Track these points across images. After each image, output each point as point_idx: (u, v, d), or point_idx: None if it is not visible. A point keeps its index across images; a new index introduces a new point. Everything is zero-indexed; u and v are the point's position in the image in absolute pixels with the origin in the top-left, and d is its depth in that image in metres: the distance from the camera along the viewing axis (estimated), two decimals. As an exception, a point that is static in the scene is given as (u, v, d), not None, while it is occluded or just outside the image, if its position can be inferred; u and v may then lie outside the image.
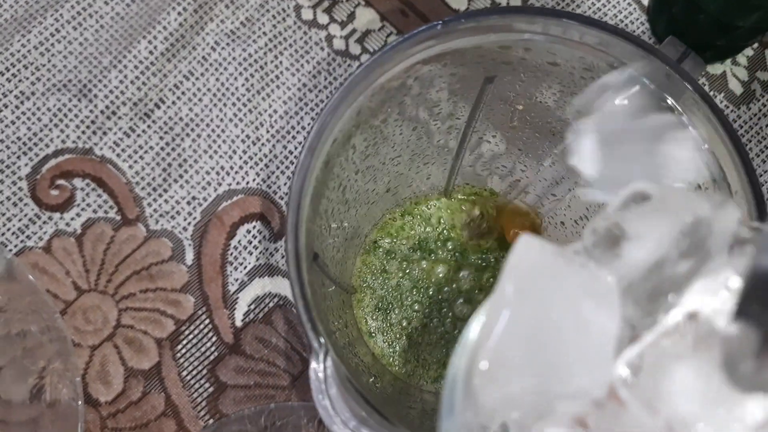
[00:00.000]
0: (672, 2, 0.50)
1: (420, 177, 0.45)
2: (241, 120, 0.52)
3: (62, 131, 0.51)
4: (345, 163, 0.33)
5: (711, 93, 0.54)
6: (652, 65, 0.28)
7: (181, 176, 0.51)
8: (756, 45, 0.55)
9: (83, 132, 0.51)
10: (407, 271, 0.47)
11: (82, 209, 0.50)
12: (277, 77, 0.53)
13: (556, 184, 0.41)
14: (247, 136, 0.52)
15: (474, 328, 0.20)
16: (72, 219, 0.50)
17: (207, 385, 0.48)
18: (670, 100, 0.28)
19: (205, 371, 0.49)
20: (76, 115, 0.51)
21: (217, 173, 0.51)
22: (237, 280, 0.50)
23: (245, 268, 0.50)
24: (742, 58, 0.54)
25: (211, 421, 0.48)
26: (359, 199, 0.40)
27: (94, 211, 0.50)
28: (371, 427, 0.24)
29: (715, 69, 0.54)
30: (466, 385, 0.19)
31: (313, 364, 0.24)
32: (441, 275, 0.46)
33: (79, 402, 0.47)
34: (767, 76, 0.54)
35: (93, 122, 0.51)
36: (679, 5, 0.49)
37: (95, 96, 0.52)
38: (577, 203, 0.41)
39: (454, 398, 0.19)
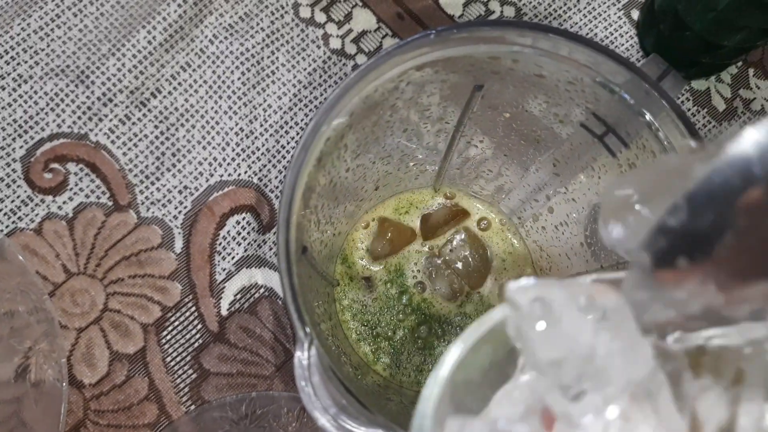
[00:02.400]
0: (660, 19, 0.51)
1: (408, 177, 0.46)
2: (235, 113, 0.53)
3: (58, 116, 0.52)
4: (336, 161, 0.34)
5: (694, 108, 0.55)
6: (633, 81, 0.29)
7: (174, 165, 0.52)
8: (740, 63, 0.56)
9: (79, 117, 0.52)
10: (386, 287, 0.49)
11: (75, 193, 0.51)
12: (273, 72, 0.54)
13: (539, 190, 0.43)
14: (241, 129, 0.53)
15: (446, 363, 0.21)
16: (64, 202, 0.51)
17: (190, 371, 0.49)
18: (648, 116, 0.30)
19: (189, 358, 0.50)
20: (72, 101, 0.52)
21: (210, 164, 0.52)
22: (224, 269, 0.51)
23: (233, 258, 0.51)
24: (726, 76, 0.56)
25: (192, 407, 0.49)
26: (348, 196, 0.41)
27: (87, 196, 0.51)
28: (350, 415, 0.25)
29: (700, 85, 0.55)
30: (436, 419, 0.20)
31: (298, 352, 0.25)
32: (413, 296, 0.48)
33: (64, 383, 0.47)
34: (749, 94, 0.56)
35: (89, 108, 0.52)
36: (666, 22, 0.51)
37: (92, 83, 0.52)
38: (559, 209, 0.43)
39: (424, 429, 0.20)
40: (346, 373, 0.36)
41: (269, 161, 0.53)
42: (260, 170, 0.52)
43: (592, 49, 0.28)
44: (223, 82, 0.53)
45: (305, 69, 0.54)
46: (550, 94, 0.33)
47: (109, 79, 0.53)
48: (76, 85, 0.52)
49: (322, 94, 0.54)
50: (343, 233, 0.46)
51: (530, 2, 0.56)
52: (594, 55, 0.28)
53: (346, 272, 0.48)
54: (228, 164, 0.52)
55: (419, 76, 0.30)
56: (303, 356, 0.25)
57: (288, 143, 0.53)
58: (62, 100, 0.52)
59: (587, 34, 0.56)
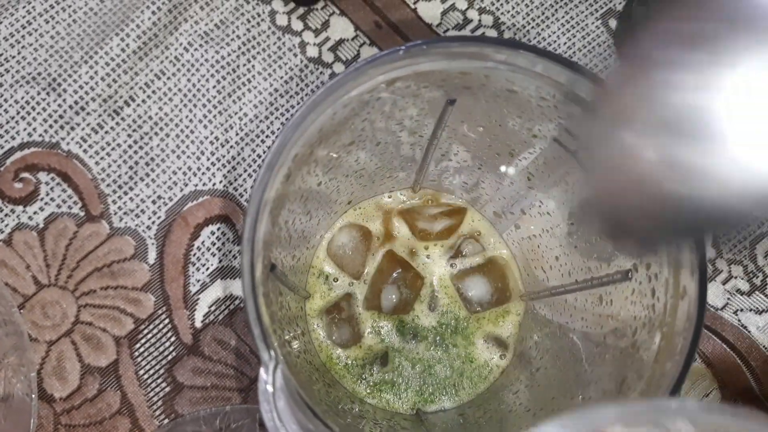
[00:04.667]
0: (637, 28, 0.51)
1: (383, 189, 0.45)
2: (210, 122, 0.52)
3: (29, 124, 0.51)
4: (307, 176, 0.33)
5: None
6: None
7: (147, 175, 0.51)
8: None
9: (50, 126, 0.51)
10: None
11: (46, 203, 0.50)
12: (249, 81, 0.53)
13: (515, 203, 0.42)
14: (216, 138, 0.52)
15: None
16: (35, 213, 0.50)
17: (164, 384, 0.49)
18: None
19: (162, 371, 0.49)
20: (44, 109, 0.51)
21: (184, 173, 0.51)
22: (199, 281, 0.50)
23: (207, 269, 0.50)
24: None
25: (166, 421, 0.48)
26: (321, 209, 0.41)
27: (58, 206, 0.50)
28: (318, 439, 0.25)
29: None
30: None
31: (263, 375, 0.25)
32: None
33: (33, 397, 0.47)
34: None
35: (61, 117, 0.51)
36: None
37: (64, 90, 0.52)
38: (534, 222, 0.43)
39: None
40: (316, 392, 0.36)
41: (245, 170, 0.52)
42: (235, 180, 0.52)
43: (562, 66, 0.28)
44: (198, 90, 0.53)
45: (282, 77, 0.54)
46: (523, 109, 0.32)
47: (81, 87, 0.52)
48: (48, 93, 0.51)
49: (299, 103, 0.54)
50: (316, 245, 0.46)
51: (508, 11, 0.56)
52: (564, 71, 0.28)
53: (318, 284, 0.47)
54: (203, 174, 0.52)
55: (390, 91, 0.30)
56: (267, 380, 0.24)
57: (264, 152, 0.52)
58: (33, 108, 0.51)
59: (565, 44, 0.56)
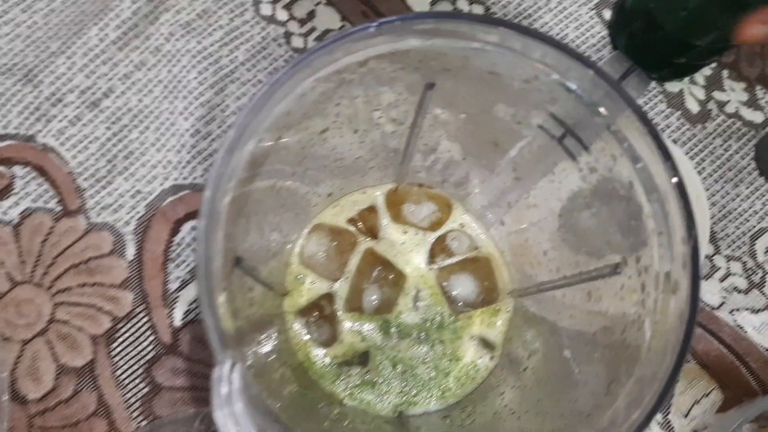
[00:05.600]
0: (632, 19, 0.50)
1: (366, 181, 0.44)
2: (191, 114, 0.51)
3: (4, 116, 0.49)
4: (278, 164, 0.32)
5: (668, 110, 0.53)
6: (592, 80, 0.27)
7: (126, 168, 0.50)
8: (714, 65, 0.55)
9: (26, 118, 0.50)
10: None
11: (21, 198, 0.49)
12: (232, 72, 0.52)
13: (501, 195, 0.41)
14: (197, 131, 0.51)
15: None
16: (10, 207, 0.48)
17: (142, 385, 0.47)
18: (607, 118, 0.28)
19: (140, 371, 0.47)
20: (19, 101, 0.50)
21: (164, 167, 0.50)
22: (178, 278, 0.48)
23: (188, 266, 0.49)
24: (699, 78, 0.54)
25: (144, 422, 0.47)
26: (298, 202, 0.39)
27: (34, 201, 0.49)
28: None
29: (673, 87, 0.54)
30: None
31: (217, 376, 0.23)
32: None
33: (5, 398, 0.45)
34: (724, 96, 0.54)
35: (37, 109, 0.50)
36: (638, 22, 0.49)
37: (41, 82, 0.50)
38: (521, 215, 0.41)
39: None
40: (287, 395, 0.34)
41: (227, 164, 0.50)
42: (217, 174, 0.50)
43: (547, 45, 0.26)
44: (179, 81, 0.51)
45: (266, 68, 0.52)
46: (506, 94, 0.31)
47: (58, 78, 0.50)
48: (24, 84, 0.50)
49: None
50: (295, 241, 0.44)
51: (499, 1, 0.54)
52: (550, 51, 0.26)
53: (296, 283, 0.46)
54: (183, 167, 0.50)
55: (363, 73, 0.28)
56: (223, 381, 0.22)
57: (247, 146, 0.51)
58: (8, 100, 0.50)
59: (558, 34, 0.54)
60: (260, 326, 0.36)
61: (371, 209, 0.46)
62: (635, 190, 0.28)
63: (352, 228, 0.46)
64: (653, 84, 0.54)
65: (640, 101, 0.53)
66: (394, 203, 0.46)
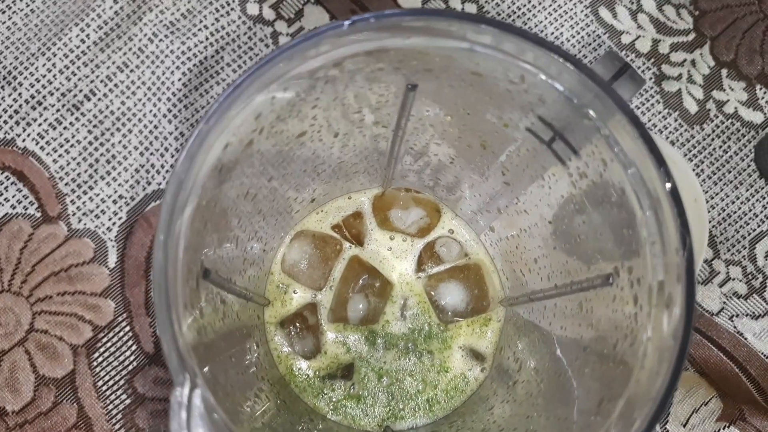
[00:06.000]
0: None
1: (351, 186, 0.42)
2: (175, 116, 0.49)
3: (-18, 120, 0.48)
4: (249, 170, 0.30)
5: (665, 110, 0.52)
6: (581, 81, 0.25)
7: (108, 173, 0.48)
8: (713, 64, 0.53)
9: (5, 122, 0.48)
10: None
11: (0, 204, 0.47)
12: (217, 73, 0.50)
13: (491, 201, 0.39)
14: (182, 134, 0.49)
15: None
16: (-12, 214, 0.47)
17: (123, 396, 0.46)
18: (597, 120, 0.26)
19: (122, 382, 0.46)
20: (-2, 104, 0.48)
21: (147, 171, 0.49)
22: (161, 285, 0.47)
23: (171, 273, 0.47)
24: (697, 76, 0.53)
25: (126, 434, 0.45)
26: (279, 208, 0.38)
27: (13, 207, 0.47)
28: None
29: (671, 86, 0.52)
30: None
31: (175, 399, 0.21)
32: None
33: (-18, 411, 0.44)
34: (723, 96, 0.53)
35: (16, 112, 0.48)
36: None
37: (20, 84, 0.49)
38: (511, 221, 0.39)
39: None
40: (259, 415, 0.32)
41: (211, 168, 0.49)
42: (201, 178, 0.49)
43: (532, 44, 0.25)
44: (163, 83, 0.50)
45: (252, 69, 0.51)
46: (491, 95, 0.29)
47: (38, 80, 0.49)
48: (2, 87, 0.49)
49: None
50: (276, 248, 0.42)
51: (492, 0, 0.53)
52: (536, 50, 0.25)
53: (278, 292, 0.44)
54: (167, 171, 0.49)
55: (339, 73, 0.27)
56: (182, 406, 0.21)
57: (232, 149, 0.49)
58: (-14, 103, 0.48)
59: (552, 33, 0.53)
60: (235, 340, 0.34)
61: (357, 215, 0.45)
62: (627, 196, 0.26)
63: (336, 235, 0.44)
64: (650, 83, 0.52)
65: (636, 101, 0.52)
66: (381, 208, 0.44)
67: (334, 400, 0.41)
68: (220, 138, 0.24)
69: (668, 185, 0.25)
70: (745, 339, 0.50)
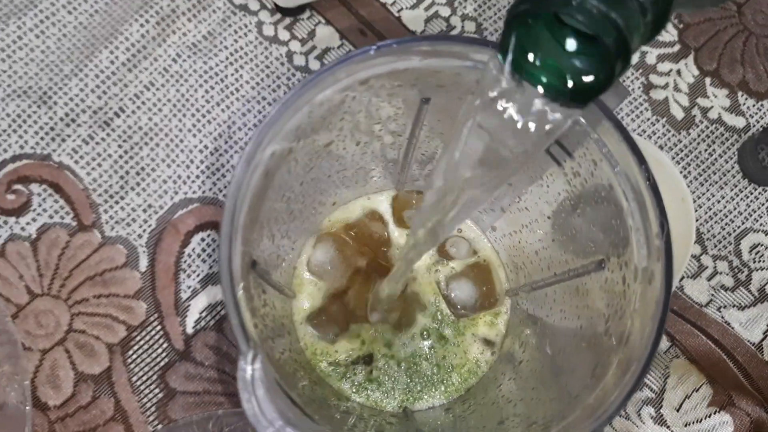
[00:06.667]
0: None
1: (368, 190, 0.46)
2: (199, 130, 0.53)
3: (21, 137, 0.52)
4: (287, 175, 0.34)
5: (653, 117, 0.56)
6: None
7: (138, 184, 0.52)
8: (697, 73, 0.57)
9: (42, 138, 0.52)
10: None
11: (38, 214, 0.51)
12: (237, 90, 0.54)
13: (495, 201, 0.43)
14: (205, 147, 0.53)
15: None
16: (27, 224, 0.51)
17: (156, 390, 0.49)
18: (587, 126, 0.30)
19: (155, 377, 0.49)
20: (35, 122, 0.52)
21: (174, 182, 0.52)
22: (189, 287, 0.51)
23: (198, 275, 0.51)
24: (683, 85, 0.57)
25: (159, 426, 0.49)
26: (305, 211, 0.42)
27: (50, 217, 0.51)
28: (296, 427, 0.25)
29: (658, 94, 0.56)
30: None
31: (242, 364, 0.25)
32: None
33: (27, 406, 0.47)
34: (707, 103, 0.57)
35: (52, 129, 0.52)
36: None
37: (55, 103, 0.53)
38: (513, 219, 0.43)
39: None
40: (300, 389, 0.36)
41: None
42: (225, 187, 0.52)
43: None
44: (187, 100, 0.54)
45: (269, 86, 0.55)
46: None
47: (71, 99, 0.53)
48: (39, 106, 0.52)
49: (286, 111, 0.55)
50: (301, 247, 0.46)
51: (490, 17, 0.57)
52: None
53: (304, 285, 0.48)
54: (192, 182, 0.52)
55: (365, 90, 0.31)
56: (247, 369, 0.25)
57: (252, 160, 0.53)
58: (24, 121, 0.52)
59: (547, 47, 0.57)
60: (274, 326, 0.38)
61: (375, 215, 0.49)
62: (615, 191, 0.30)
63: (355, 235, 0.48)
64: (639, 92, 0.56)
65: (626, 109, 0.56)
66: (396, 210, 0.48)
67: (356, 383, 0.45)
68: (269, 146, 0.28)
69: (648, 180, 0.29)
70: (732, 328, 0.53)
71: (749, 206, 0.56)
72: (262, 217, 0.33)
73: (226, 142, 0.53)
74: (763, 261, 0.55)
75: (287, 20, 0.56)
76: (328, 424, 0.27)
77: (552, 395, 0.35)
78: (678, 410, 0.52)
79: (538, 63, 0.24)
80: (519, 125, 0.24)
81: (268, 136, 0.28)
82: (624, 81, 0.56)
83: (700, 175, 0.56)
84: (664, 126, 0.56)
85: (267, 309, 0.36)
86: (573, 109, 0.24)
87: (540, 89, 0.24)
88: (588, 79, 0.23)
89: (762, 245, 0.55)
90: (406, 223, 0.48)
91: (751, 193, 0.56)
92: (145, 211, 0.52)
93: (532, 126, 0.24)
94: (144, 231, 0.51)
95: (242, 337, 0.26)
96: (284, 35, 0.56)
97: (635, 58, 0.57)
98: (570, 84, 0.23)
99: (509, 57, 0.23)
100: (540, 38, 0.23)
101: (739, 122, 0.57)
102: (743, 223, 0.55)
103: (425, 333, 0.47)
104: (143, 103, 0.53)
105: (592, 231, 0.35)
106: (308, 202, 0.42)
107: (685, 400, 0.52)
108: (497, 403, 0.40)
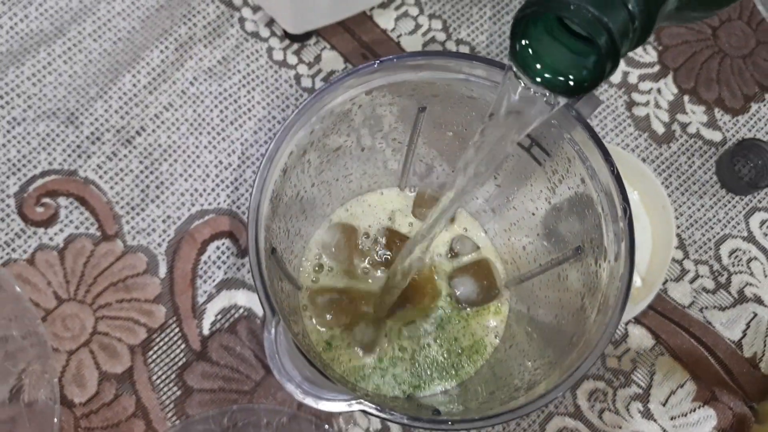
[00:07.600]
0: None
1: (372, 194, 0.50)
2: (215, 147, 0.57)
3: (49, 154, 0.56)
4: (301, 175, 0.38)
5: (636, 132, 0.60)
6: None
7: (157, 197, 0.56)
8: (676, 91, 0.62)
9: (69, 155, 0.56)
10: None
11: (65, 225, 0.55)
12: (249, 110, 0.59)
13: (486, 202, 0.47)
14: (220, 162, 0.57)
15: None
16: (55, 234, 0.54)
17: (175, 388, 0.52)
18: (563, 130, 0.35)
19: (173, 376, 0.53)
20: (63, 140, 0.56)
21: (191, 195, 0.56)
22: (206, 292, 0.54)
23: (214, 281, 0.54)
24: (663, 102, 0.61)
25: (177, 421, 0.52)
26: (315, 211, 0.45)
27: (76, 227, 0.55)
28: (313, 382, 0.29)
29: (640, 111, 0.61)
30: None
31: (267, 329, 0.29)
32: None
33: (56, 403, 0.50)
34: (686, 119, 0.61)
35: (78, 147, 0.56)
36: None
37: (81, 123, 0.57)
38: (502, 217, 0.47)
39: None
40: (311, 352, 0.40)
41: (246, 190, 0.57)
42: (238, 199, 0.56)
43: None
44: (203, 119, 0.58)
45: (279, 106, 0.59)
46: (482, 113, 0.38)
47: (96, 119, 0.57)
48: (66, 126, 0.56)
49: (294, 129, 0.59)
50: (310, 242, 0.50)
51: (482, 42, 0.62)
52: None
53: (310, 273, 0.52)
54: (208, 194, 0.56)
55: (369, 100, 0.35)
56: (271, 333, 0.29)
57: (263, 174, 0.57)
58: (53, 140, 0.56)
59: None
60: (289, 310, 0.42)
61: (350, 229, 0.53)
62: (587, 184, 0.34)
63: (357, 226, 0.52)
64: (622, 109, 0.61)
65: (610, 125, 0.60)
66: (416, 204, 0.52)
67: (362, 373, 0.49)
68: (288, 146, 0.32)
69: (613, 172, 0.33)
70: (714, 328, 0.57)
71: (727, 214, 0.59)
72: (281, 212, 0.37)
73: (239, 158, 0.57)
74: (742, 265, 0.58)
75: (295, 46, 0.60)
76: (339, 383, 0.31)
77: (543, 363, 0.39)
78: (664, 405, 0.55)
79: (539, 59, 0.28)
80: (518, 109, 0.29)
81: (287, 139, 0.32)
82: (608, 99, 0.61)
83: (681, 186, 0.60)
84: (646, 140, 0.60)
85: (283, 295, 0.40)
86: (565, 98, 0.28)
87: (538, 79, 0.28)
88: (581, 74, 0.27)
89: (740, 250, 0.59)
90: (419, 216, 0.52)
91: (729, 202, 0.60)
92: (164, 221, 0.56)
93: (528, 110, 0.29)
94: (163, 240, 0.55)
95: (267, 304, 0.30)
96: (292, 59, 0.60)
97: (618, 78, 0.61)
98: (565, 77, 0.27)
99: (517, 48, 0.28)
100: (541, 38, 0.27)
101: (716, 136, 0.61)
102: (722, 230, 0.59)
103: (433, 319, 0.51)
104: (162, 122, 0.57)
105: (570, 221, 0.39)
106: (318, 203, 0.46)
107: (670, 395, 0.55)
108: (498, 375, 0.45)
